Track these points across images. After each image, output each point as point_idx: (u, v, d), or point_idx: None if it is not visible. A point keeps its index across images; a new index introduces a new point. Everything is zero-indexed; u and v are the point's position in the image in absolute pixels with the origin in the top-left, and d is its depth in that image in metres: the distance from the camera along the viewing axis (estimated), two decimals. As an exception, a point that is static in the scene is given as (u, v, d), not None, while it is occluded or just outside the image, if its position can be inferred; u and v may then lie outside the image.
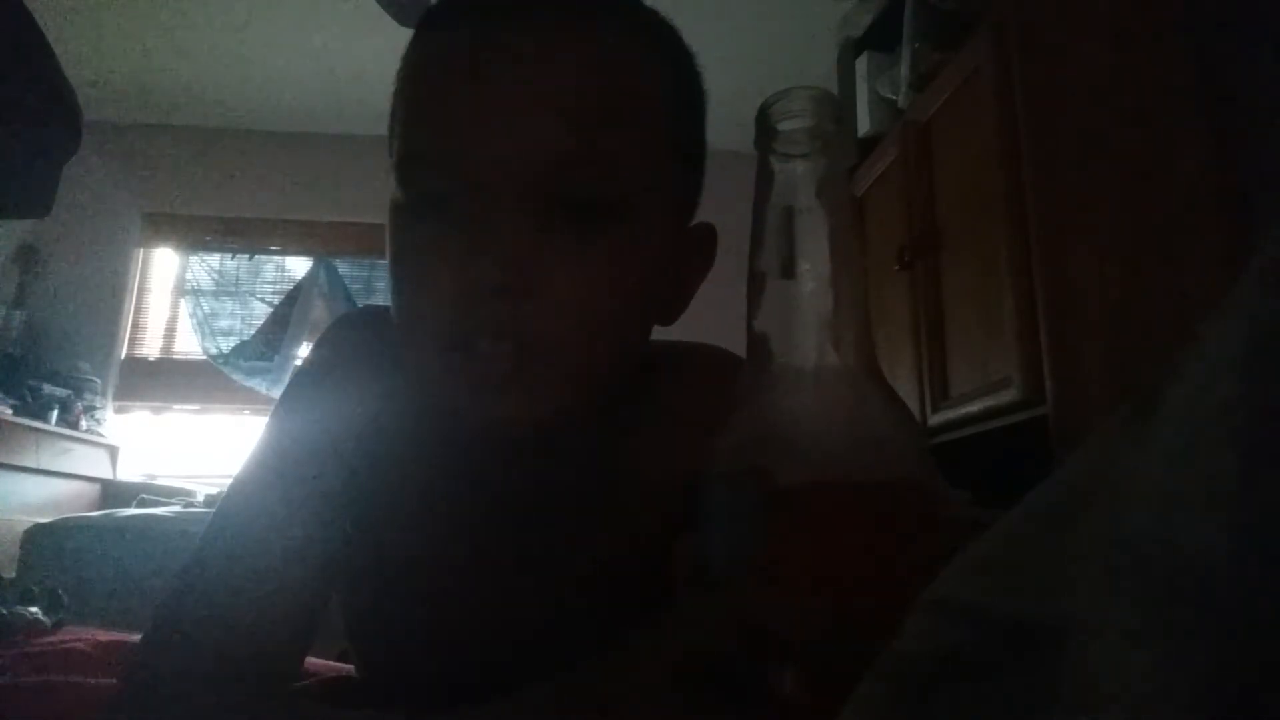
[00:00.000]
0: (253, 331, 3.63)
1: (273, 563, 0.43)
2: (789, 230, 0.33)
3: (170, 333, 3.73)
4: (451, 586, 0.50)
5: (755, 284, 0.34)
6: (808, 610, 0.29)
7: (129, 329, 3.71)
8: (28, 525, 2.22)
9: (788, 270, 0.33)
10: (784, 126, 0.33)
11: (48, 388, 3.26)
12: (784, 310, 0.34)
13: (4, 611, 1.28)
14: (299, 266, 3.74)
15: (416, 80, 0.44)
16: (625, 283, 0.43)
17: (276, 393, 1.88)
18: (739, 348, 0.38)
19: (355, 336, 0.52)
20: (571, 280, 0.40)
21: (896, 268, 1.80)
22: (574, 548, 0.50)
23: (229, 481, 0.48)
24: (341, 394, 0.48)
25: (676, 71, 0.47)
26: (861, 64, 2.15)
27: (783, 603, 0.29)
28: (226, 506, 0.46)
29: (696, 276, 0.50)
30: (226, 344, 3.59)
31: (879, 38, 2.11)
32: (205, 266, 3.81)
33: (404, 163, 0.42)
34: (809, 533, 0.31)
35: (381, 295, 3.54)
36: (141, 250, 3.76)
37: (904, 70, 1.86)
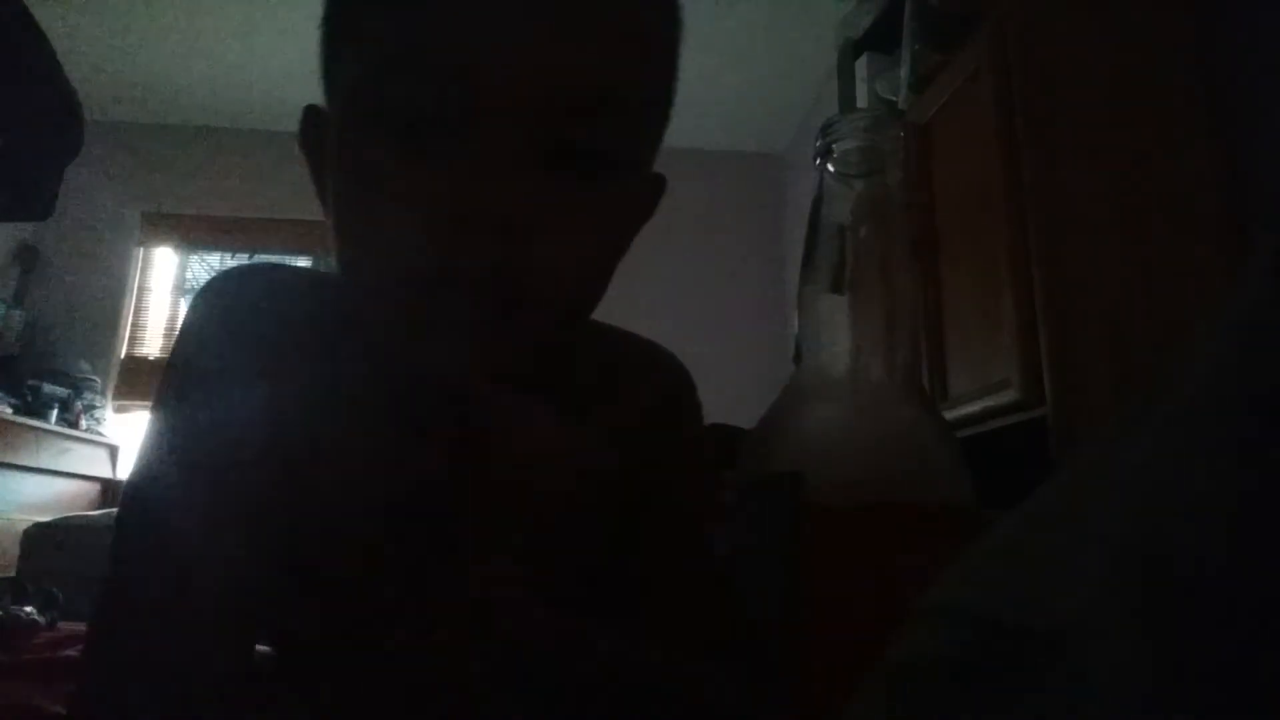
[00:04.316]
0: (252, 331, 3.63)
1: (212, 570, 0.38)
2: (841, 247, 0.34)
3: (170, 332, 3.73)
4: (381, 566, 0.46)
5: (806, 298, 0.35)
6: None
7: (129, 328, 3.71)
8: (27, 524, 2.22)
9: (837, 286, 0.34)
10: (841, 146, 0.34)
11: (48, 387, 3.26)
12: (831, 325, 0.34)
13: (1, 611, 1.28)
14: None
15: None
16: (616, 237, 0.39)
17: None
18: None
19: (250, 295, 0.44)
20: (570, 229, 0.36)
21: (896, 268, 1.81)
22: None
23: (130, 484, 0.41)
24: (254, 362, 0.41)
25: (679, 16, 0.41)
26: (862, 65, 2.15)
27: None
28: (137, 518, 0.40)
29: (639, 226, 0.44)
30: (226, 344, 3.59)
31: (879, 39, 2.11)
32: (205, 266, 3.81)
33: (390, 68, 0.35)
34: (840, 548, 0.31)
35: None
36: (141, 250, 3.76)
37: (904, 71, 1.86)
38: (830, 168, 0.34)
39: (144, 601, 0.39)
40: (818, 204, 0.34)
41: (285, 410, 0.41)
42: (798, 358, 0.35)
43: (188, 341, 0.43)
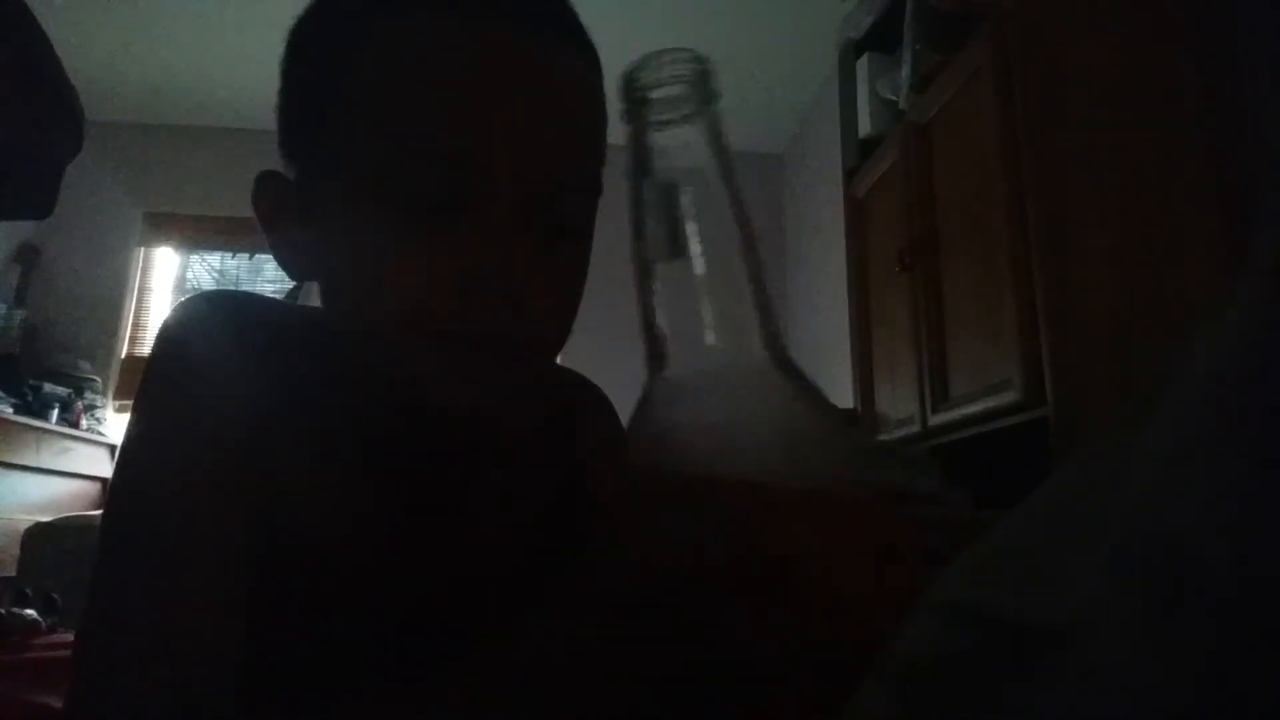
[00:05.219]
0: (253, 331, 3.63)
1: (197, 583, 0.41)
2: (674, 208, 0.30)
3: (171, 332, 3.73)
4: (365, 572, 0.48)
5: (643, 273, 0.31)
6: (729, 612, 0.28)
7: (130, 328, 3.72)
8: (28, 524, 2.22)
9: (677, 251, 0.30)
10: (659, 94, 0.30)
11: (48, 386, 3.26)
12: (678, 296, 0.30)
13: (2, 613, 1.28)
14: (299, 266, 3.74)
15: (438, 72, 0.41)
16: (579, 295, 0.46)
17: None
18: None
19: (229, 320, 0.49)
20: (555, 287, 0.43)
21: (897, 269, 1.80)
22: (481, 544, 0.52)
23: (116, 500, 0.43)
24: (237, 384, 0.45)
25: (605, 107, 0.48)
26: (862, 65, 2.15)
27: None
28: (126, 533, 0.43)
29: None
30: (227, 344, 3.59)
31: (880, 39, 2.11)
32: (205, 266, 3.81)
33: (413, 156, 0.40)
34: (730, 536, 0.28)
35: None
36: (142, 249, 3.77)
37: (905, 72, 1.86)
38: (648, 120, 0.30)
39: (135, 607, 0.40)
40: (639, 164, 0.30)
41: (265, 433, 0.45)
42: (647, 342, 0.30)
43: (171, 354, 0.47)
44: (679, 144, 0.30)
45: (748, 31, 2.97)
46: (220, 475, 0.43)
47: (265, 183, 0.47)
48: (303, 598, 0.47)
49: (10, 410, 3.03)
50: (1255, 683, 0.15)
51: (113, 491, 0.45)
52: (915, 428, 1.73)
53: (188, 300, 0.50)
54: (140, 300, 3.76)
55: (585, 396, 0.61)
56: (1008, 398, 1.40)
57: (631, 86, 0.30)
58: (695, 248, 0.30)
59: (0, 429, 2.92)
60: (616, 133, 0.37)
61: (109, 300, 3.66)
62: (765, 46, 3.06)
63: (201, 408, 0.44)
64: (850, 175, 2.21)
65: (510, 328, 0.40)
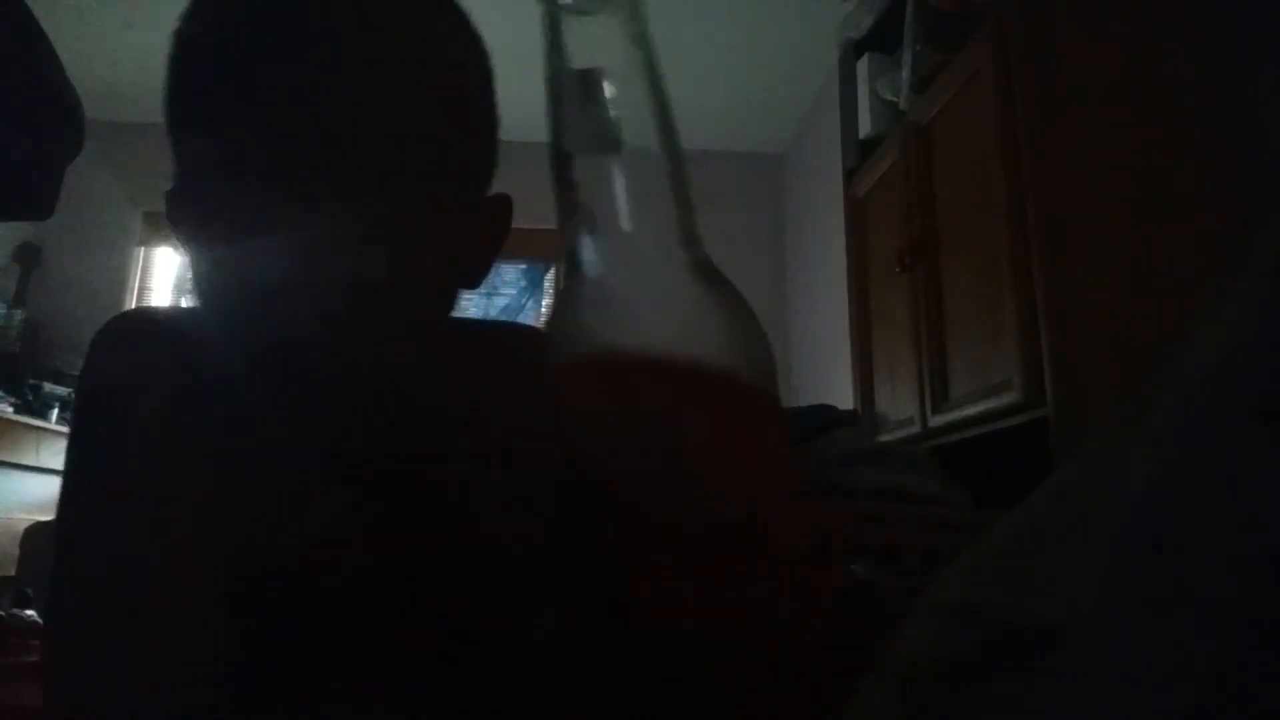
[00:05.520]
0: (253, 331, 3.63)
1: (173, 598, 0.40)
2: (595, 98, 0.28)
3: (171, 332, 3.73)
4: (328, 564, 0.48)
5: (560, 164, 0.29)
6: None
7: (129, 328, 3.71)
8: (28, 524, 2.22)
9: (596, 142, 0.28)
10: None
11: (48, 386, 3.26)
12: (596, 191, 0.28)
13: (2, 614, 1.28)
14: (299, 266, 3.74)
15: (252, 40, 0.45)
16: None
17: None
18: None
19: (153, 334, 0.51)
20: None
21: (897, 269, 1.80)
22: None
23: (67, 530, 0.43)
24: (180, 393, 0.46)
25: None
26: (863, 66, 2.15)
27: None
28: (87, 567, 0.42)
29: None
30: (227, 343, 3.59)
31: (880, 39, 2.10)
32: (206, 266, 3.81)
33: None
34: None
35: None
36: (142, 249, 3.77)
37: (905, 72, 1.86)
38: (562, 4, 0.28)
39: (95, 623, 0.40)
40: (556, 50, 0.28)
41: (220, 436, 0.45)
42: (567, 244, 0.29)
43: (107, 377, 0.49)
44: (602, 30, 0.28)
45: (748, 31, 2.97)
46: (169, 492, 0.43)
47: (171, 201, 0.51)
48: (280, 598, 0.47)
49: (10, 410, 3.03)
50: (1255, 683, 0.15)
51: (59, 531, 0.44)
52: (915, 428, 1.72)
53: (101, 331, 0.52)
54: (140, 300, 3.76)
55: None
56: (1008, 398, 1.40)
57: None
58: (620, 138, 0.28)
59: (0, 428, 2.92)
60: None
61: (109, 300, 3.65)
62: (765, 46, 3.06)
63: (136, 435, 0.44)
64: (850, 175, 2.20)
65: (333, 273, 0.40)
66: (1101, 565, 0.18)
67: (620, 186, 0.29)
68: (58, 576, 0.42)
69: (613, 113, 0.28)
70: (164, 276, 3.83)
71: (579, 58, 0.28)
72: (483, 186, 0.51)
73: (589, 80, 0.28)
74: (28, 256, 3.52)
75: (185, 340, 0.49)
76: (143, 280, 3.78)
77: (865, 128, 2.14)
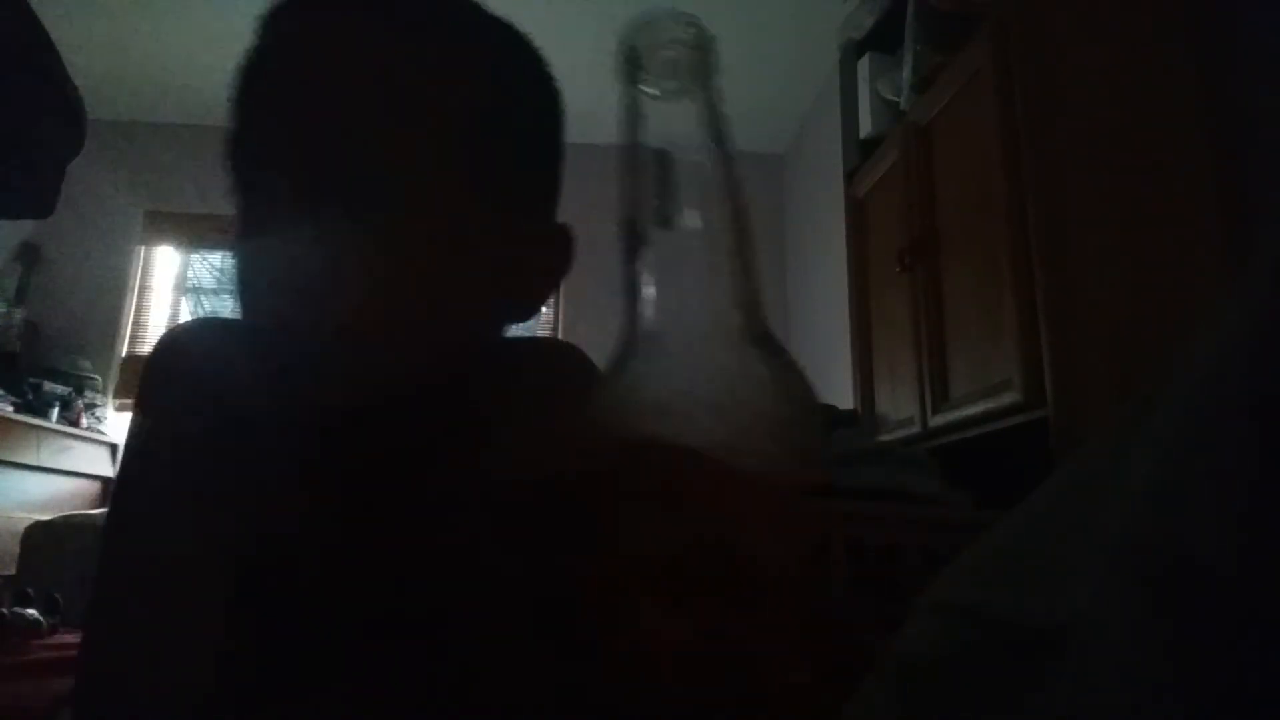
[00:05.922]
0: (253, 330, 3.63)
1: (197, 596, 0.43)
2: (667, 177, 0.29)
3: (171, 331, 3.73)
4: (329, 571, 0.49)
5: (630, 239, 0.30)
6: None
7: (130, 327, 3.71)
8: (28, 523, 2.22)
9: (665, 221, 0.29)
10: (659, 57, 0.28)
11: (49, 385, 3.26)
12: (663, 265, 0.29)
13: (4, 613, 1.28)
14: (300, 265, 3.74)
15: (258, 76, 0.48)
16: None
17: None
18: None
19: (206, 344, 0.54)
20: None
21: (897, 269, 1.80)
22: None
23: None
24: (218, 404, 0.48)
25: None
26: (863, 66, 2.15)
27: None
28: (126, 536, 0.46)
29: None
30: (227, 343, 3.59)
31: (881, 39, 2.10)
32: (206, 264, 3.81)
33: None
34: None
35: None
36: (143, 248, 3.76)
37: (906, 72, 1.86)
38: (644, 87, 0.28)
39: (136, 608, 0.43)
40: (632, 129, 0.29)
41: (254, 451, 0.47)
42: (627, 310, 0.29)
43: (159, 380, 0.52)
44: (677, 114, 0.29)
45: (748, 31, 2.97)
46: (203, 490, 0.45)
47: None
48: (276, 604, 0.47)
49: (10, 409, 3.03)
50: (1256, 682, 0.15)
51: (113, 507, 0.48)
52: (915, 428, 1.72)
53: (173, 329, 0.55)
54: (140, 299, 3.76)
55: (554, 371, 0.56)
56: (1008, 398, 1.40)
57: (631, 46, 0.29)
58: (686, 219, 0.29)
59: (0, 428, 2.92)
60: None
61: (109, 299, 3.65)
62: (765, 46, 3.06)
63: (189, 431, 0.48)
64: (850, 175, 2.20)
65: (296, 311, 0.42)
66: (1101, 565, 0.18)
67: (683, 259, 0.30)
68: (103, 568, 0.46)
69: (683, 192, 0.29)
70: (164, 275, 3.83)
71: (654, 136, 0.29)
72: (537, 217, 0.50)
73: (663, 159, 0.29)
74: (29, 256, 3.52)
75: (233, 360, 0.51)
76: (143, 279, 3.78)
77: (866, 128, 2.14)
